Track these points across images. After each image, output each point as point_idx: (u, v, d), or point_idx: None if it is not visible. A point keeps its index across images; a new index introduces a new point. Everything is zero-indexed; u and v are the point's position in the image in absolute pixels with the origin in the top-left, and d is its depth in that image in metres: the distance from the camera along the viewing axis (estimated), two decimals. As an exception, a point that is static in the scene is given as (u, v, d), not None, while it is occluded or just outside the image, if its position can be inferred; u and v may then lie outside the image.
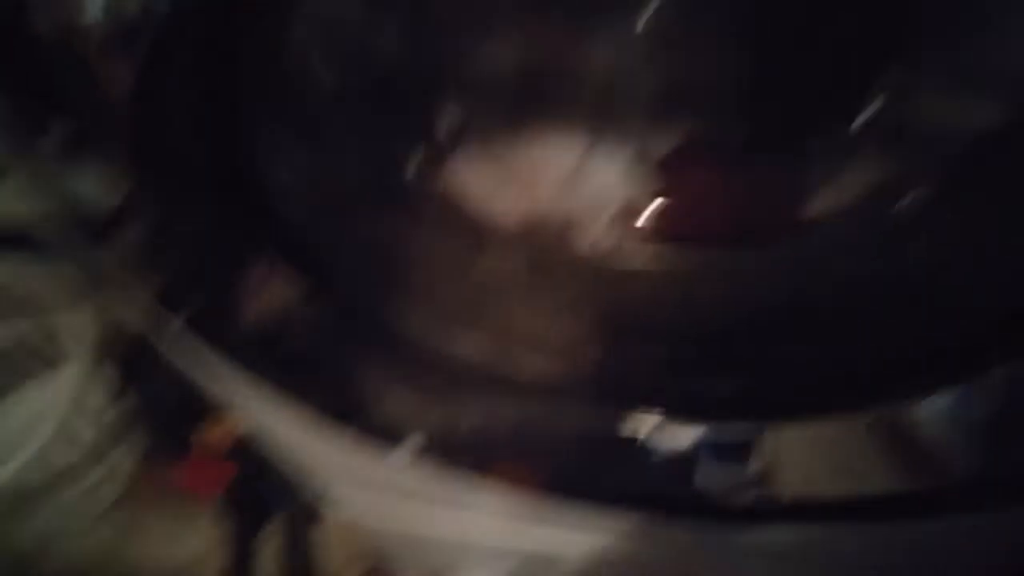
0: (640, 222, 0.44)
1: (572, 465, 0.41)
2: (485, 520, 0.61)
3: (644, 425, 0.39)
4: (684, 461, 0.38)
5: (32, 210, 0.85)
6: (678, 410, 0.39)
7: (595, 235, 0.44)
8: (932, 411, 0.35)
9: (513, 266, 0.46)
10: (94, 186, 0.38)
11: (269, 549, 0.92)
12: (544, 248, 0.45)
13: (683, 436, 0.38)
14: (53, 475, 0.89)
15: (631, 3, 0.39)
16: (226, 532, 0.93)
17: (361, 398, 0.44)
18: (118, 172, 0.38)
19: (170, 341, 0.41)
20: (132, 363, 1.08)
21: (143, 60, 0.36)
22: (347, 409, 0.44)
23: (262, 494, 0.83)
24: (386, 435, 0.45)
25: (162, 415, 0.80)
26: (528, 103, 0.43)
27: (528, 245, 0.45)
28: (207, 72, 0.38)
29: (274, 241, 0.40)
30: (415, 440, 0.43)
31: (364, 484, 0.61)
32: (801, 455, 0.37)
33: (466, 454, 0.44)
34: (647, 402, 0.39)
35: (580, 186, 0.44)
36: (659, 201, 0.44)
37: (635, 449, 0.39)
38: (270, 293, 0.41)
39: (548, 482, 0.43)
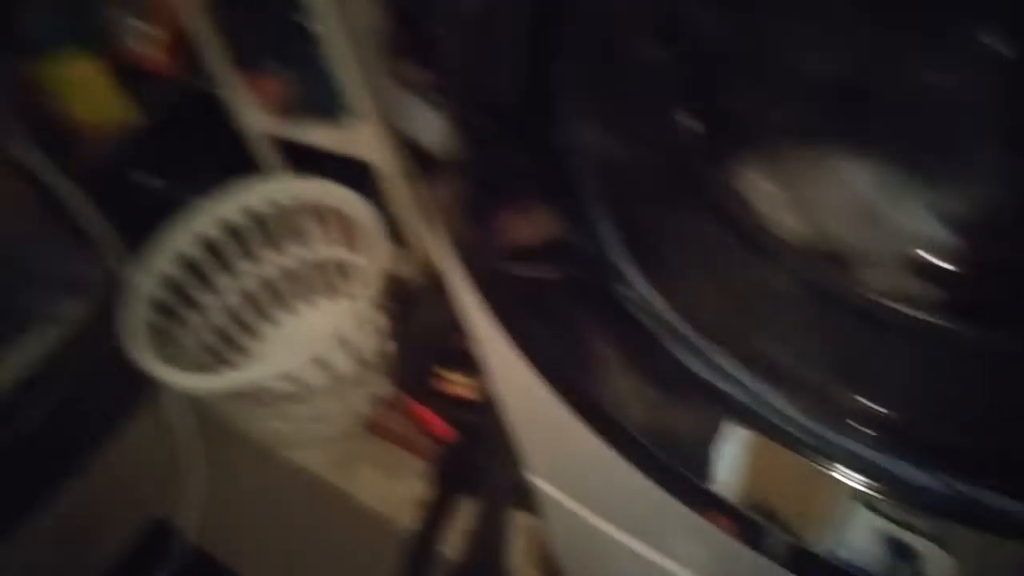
0: (936, 280, 0.37)
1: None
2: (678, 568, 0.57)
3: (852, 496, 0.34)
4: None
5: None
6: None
7: (880, 276, 0.39)
8: None
9: (785, 287, 0.41)
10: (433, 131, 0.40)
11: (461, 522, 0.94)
12: (823, 274, 0.40)
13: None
14: (301, 389, 1.00)
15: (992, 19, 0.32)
16: (427, 494, 0.97)
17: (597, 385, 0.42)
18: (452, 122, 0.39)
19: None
20: (399, 312, 1.19)
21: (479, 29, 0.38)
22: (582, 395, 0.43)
23: (470, 466, 0.85)
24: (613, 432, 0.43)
25: (412, 363, 0.85)
26: (846, 117, 0.38)
27: (807, 267, 0.41)
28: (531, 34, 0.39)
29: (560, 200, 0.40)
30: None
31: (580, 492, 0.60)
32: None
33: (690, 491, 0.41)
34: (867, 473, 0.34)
35: (879, 218, 0.38)
36: (960, 263, 0.37)
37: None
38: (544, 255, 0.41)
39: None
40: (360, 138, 0.98)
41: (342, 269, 1.22)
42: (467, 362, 0.79)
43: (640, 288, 0.41)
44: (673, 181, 0.43)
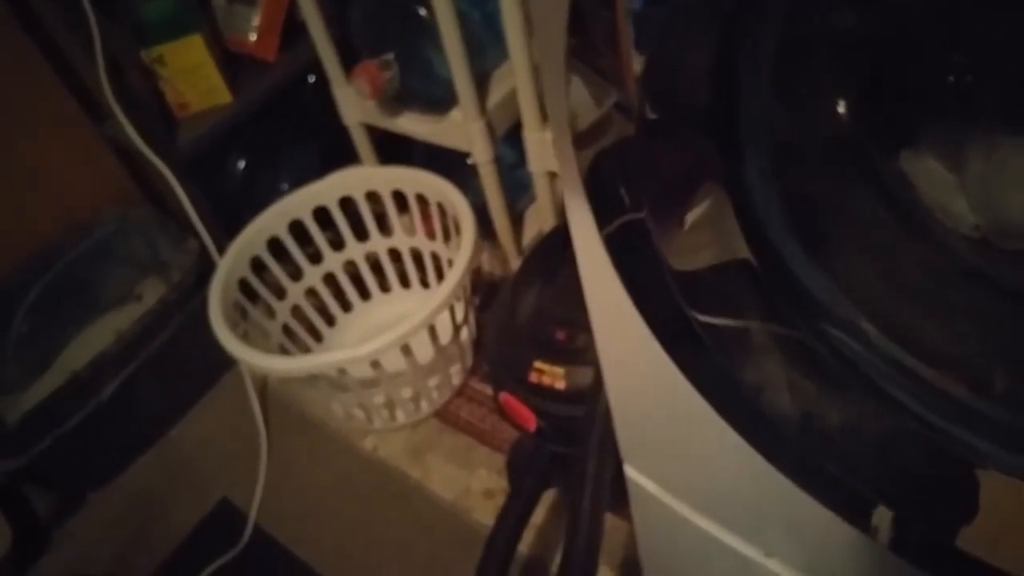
0: None
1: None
2: (782, 568, 0.55)
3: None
4: None
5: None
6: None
7: None
8: None
9: (949, 268, 0.40)
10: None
11: (535, 518, 0.93)
12: (991, 262, 0.39)
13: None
14: (380, 374, 1.00)
15: None
16: (507, 487, 0.96)
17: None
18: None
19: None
20: (481, 302, 1.19)
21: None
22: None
23: (550, 458, 0.84)
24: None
25: (501, 350, 0.85)
26: None
27: (973, 253, 0.39)
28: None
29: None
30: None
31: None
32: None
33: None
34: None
35: None
36: None
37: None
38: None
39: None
40: (461, 128, 0.99)
41: (418, 258, 1.23)
42: (558, 352, 0.79)
43: (798, 265, 0.40)
44: (841, 159, 0.42)
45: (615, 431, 0.61)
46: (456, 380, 1.13)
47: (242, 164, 1.29)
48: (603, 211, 0.40)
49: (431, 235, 1.16)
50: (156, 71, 1.11)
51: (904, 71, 0.40)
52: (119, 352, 1.10)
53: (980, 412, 0.36)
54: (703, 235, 0.40)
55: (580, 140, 0.39)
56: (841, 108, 0.40)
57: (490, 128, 0.99)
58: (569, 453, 0.72)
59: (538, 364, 0.78)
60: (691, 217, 0.40)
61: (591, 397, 0.64)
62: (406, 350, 0.97)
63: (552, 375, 0.77)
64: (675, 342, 0.42)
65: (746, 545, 0.57)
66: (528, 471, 0.83)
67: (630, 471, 0.63)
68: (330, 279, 1.23)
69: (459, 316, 1.05)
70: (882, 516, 0.38)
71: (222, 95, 1.16)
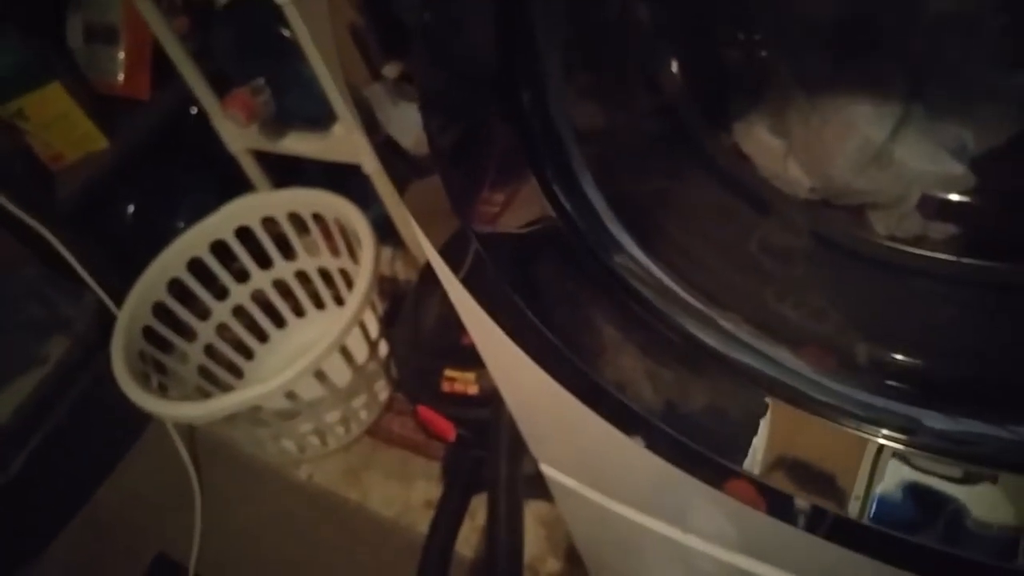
0: (952, 217, 0.37)
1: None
2: (707, 548, 0.56)
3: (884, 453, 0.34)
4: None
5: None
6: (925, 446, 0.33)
7: (893, 220, 0.38)
8: None
9: (793, 242, 0.41)
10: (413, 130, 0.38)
11: (477, 520, 0.93)
12: (832, 224, 0.40)
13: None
14: (299, 404, 0.98)
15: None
16: (439, 496, 0.95)
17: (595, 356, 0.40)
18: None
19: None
20: (392, 313, 1.17)
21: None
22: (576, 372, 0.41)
23: (476, 462, 0.83)
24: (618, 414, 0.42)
25: (410, 365, 0.84)
26: (847, 57, 0.38)
27: (815, 218, 0.40)
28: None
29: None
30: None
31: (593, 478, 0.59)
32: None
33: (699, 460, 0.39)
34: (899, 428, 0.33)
35: (888, 160, 0.37)
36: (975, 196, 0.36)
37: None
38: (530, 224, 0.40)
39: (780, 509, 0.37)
40: (347, 142, 0.98)
41: (327, 277, 1.21)
42: (466, 358, 0.78)
43: (639, 259, 0.40)
44: (664, 144, 0.42)
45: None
46: (383, 396, 1.12)
47: (131, 208, 1.24)
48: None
49: (335, 252, 1.14)
50: (19, 125, 1.05)
51: (707, 57, 0.40)
52: (19, 424, 1.04)
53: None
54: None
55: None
56: (659, 89, 0.40)
57: (375, 139, 0.97)
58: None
59: (448, 372, 0.77)
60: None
61: (495, 402, 0.64)
62: (320, 376, 0.95)
63: (464, 381, 0.77)
64: (536, 345, 0.42)
65: (665, 526, 0.57)
66: (455, 479, 0.82)
67: (545, 468, 0.63)
68: (241, 312, 1.20)
69: (373, 332, 1.03)
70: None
71: (97, 141, 1.11)
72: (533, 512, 0.92)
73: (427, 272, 0.89)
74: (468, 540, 0.93)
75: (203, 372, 1.15)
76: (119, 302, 1.06)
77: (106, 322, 1.09)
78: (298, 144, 1.04)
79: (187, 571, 1.07)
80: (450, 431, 0.78)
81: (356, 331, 0.95)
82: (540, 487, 0.66)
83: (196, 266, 1.12)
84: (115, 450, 1.24)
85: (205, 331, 1.16)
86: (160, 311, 1.08)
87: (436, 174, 0.36)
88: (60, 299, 1.19)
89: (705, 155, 0.41)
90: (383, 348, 1.07)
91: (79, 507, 1.20)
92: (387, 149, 0.37)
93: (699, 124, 0.41)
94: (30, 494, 1.10)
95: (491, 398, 0.76)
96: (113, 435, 1.24)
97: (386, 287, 1.25)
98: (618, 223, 0.38)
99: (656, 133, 0.43)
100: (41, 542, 1.16)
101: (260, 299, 1.22)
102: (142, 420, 1.25)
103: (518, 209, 0.37)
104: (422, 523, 1.01)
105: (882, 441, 0.34)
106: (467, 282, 0.41)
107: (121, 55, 1.12)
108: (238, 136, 1.10)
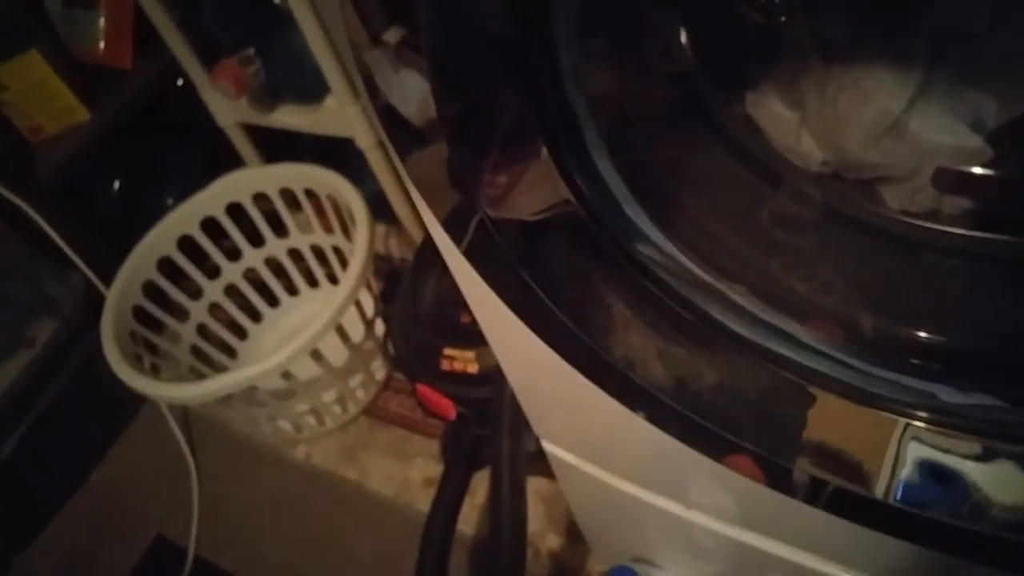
0: (966, 191, 0.36)
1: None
2: (709, 523, 0.55)
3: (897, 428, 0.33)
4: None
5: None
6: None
7: (906, 194, 0.37)
8: None
9: (805, 215, 0.40)
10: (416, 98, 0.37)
11: (476, 498, 0.93)
12: (844, 198, 0.38)
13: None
14: (294, 383, 0.97)
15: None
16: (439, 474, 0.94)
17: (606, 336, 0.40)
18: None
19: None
20: (390, 290, 1.16)
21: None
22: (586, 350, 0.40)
23: (476, 441, 0.83)
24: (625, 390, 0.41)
25: (407, 343, 0.83)
26: (869, 22, 0.36)
27: (827, 192, 0.39)
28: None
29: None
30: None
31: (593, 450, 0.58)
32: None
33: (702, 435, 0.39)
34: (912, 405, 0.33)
35: (903, 132, 0.36)
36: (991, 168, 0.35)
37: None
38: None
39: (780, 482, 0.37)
40: (339, 116, 0.95)
41: (320, 255, 1.19)
42: (466, 337, 0.77)
43: (650, 234, 0.38)
44: (676, 115, 0.41)
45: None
46: (380, 375, 1.11)
47: (117, 184, 1.21)
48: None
49: (328, 229, 1.12)
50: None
51: (723, 21, 0.39)
52: (8, 408, 1.03)
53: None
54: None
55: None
56: (672, 57, 0.39)
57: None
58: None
59: (447, 351, 0.76)
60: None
61: (497, 378, 0.63)
62: (316, 355, 0.94)
63: (463, 360, 0.76)
64: (543, 321, 0.41)
65: (668, 501, 0.57)
66: (456, 457, 0.82)
67: (547, 445, 0.63)
68: (233, 291, 1.18)
69: (368, 311, 1.02)
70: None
71: (78, 112, 1.08)
72: (533, 488, 0.92)
73: (424, 250, 0.87)
74: (468, 518, 0.92)
75: (196, 352, 1.13)
76: (107, 281, 1.04)
77: (95, 302, 1.07)
78: (289, 117, 1.01)
79: (187, 551, 1.07)
80: (450, 409, 0.77)
81: (352, 310, 0.94)
82: (540, 464, 0.65)
83: (186, 244, 1.10)
84: (108, 433, 1.23)
85: (197, 310, 1.14)
86: (150, 290, 1.06)
87: (440, 143, 0.34)
88: (45, 279, 1.16)
89: (717, 126, 0.40)
90: (379, 327, 1.06)
91: (73, 491, 1.18)
92: (388, 117, 0.35)
93: (712, 94, 0.39)
94: (23, 479, 1.09)
95: (491, 377, 0.75)
96: (106, 417, 1.23)
97: (380, 265, 1.24)
98: (629, 195, 0.36)
99: (669, 102, 0.42)
100: (36, 527, 1.15)
101: (252, 278, 1.20)
102: (135, 402, 1.23)
103: (528, 182, 0.36)
104: (421, 501, 1.00)
105: (892, 416, 0.34)
106: (470, 255, 0.40)
107: (101, 21, 1.08)
108: (227, 109, 1.07)
